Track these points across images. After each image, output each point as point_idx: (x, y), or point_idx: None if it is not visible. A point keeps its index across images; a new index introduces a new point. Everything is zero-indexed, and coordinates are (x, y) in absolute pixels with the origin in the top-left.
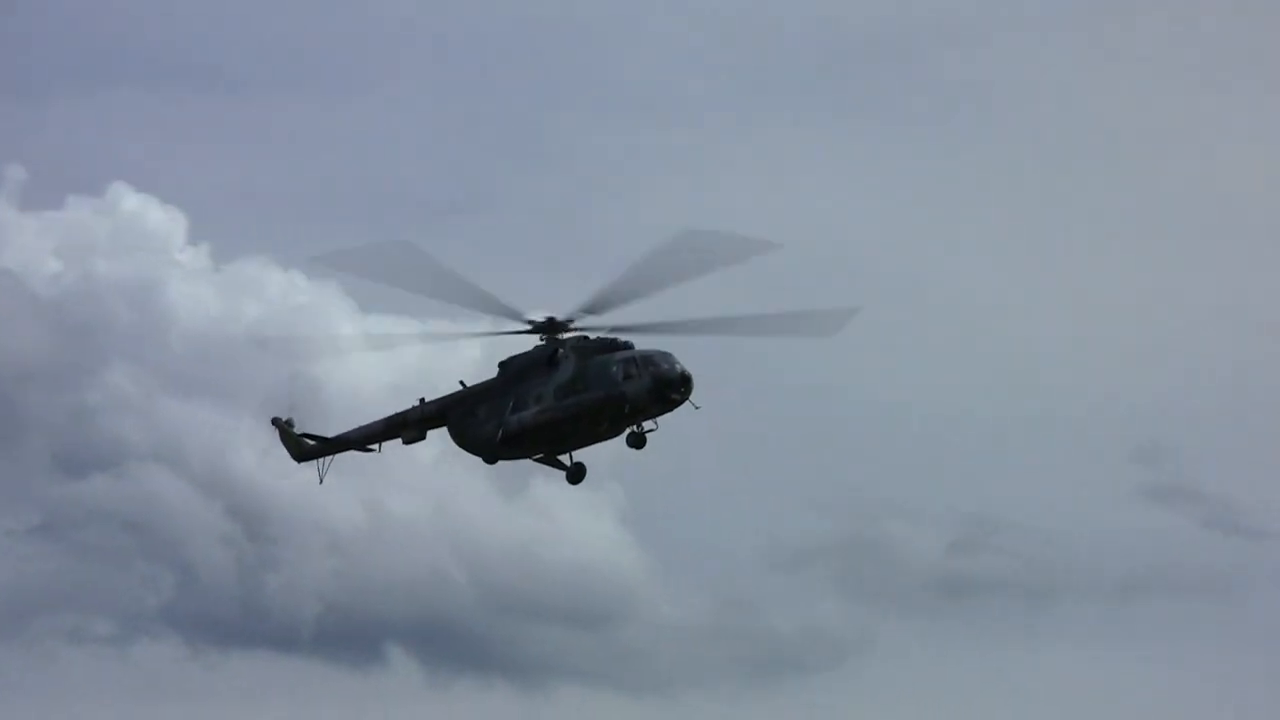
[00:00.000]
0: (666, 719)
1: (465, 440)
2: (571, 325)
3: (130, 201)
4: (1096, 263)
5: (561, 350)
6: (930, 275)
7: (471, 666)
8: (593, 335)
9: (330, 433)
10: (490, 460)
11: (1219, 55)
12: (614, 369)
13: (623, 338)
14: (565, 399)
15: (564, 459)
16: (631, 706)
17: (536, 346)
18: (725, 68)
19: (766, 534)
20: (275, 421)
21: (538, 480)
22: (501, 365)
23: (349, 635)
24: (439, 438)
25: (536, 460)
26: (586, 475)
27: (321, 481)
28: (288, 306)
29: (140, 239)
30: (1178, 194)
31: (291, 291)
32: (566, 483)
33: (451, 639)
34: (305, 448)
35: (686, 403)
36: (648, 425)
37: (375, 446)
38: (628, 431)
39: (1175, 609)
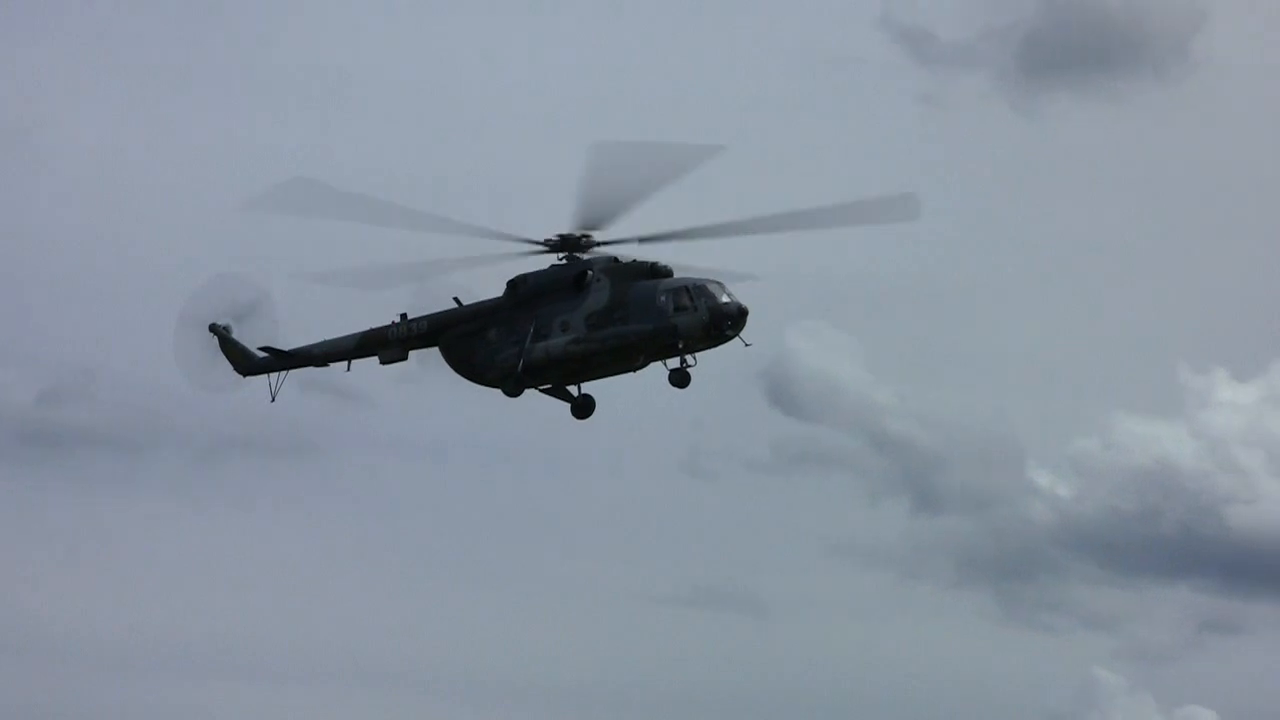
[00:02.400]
0: None
1: (470, 366)
2: (589, 242)
3: None
4: None
5: (591, 273)
6: None
7: None
8: (624, 257)
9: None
10: (513, 391)
11: None
12: (662, 299)
13: (662, 263)
14: (602, 329)
15: (572, 390)
16: None
17: (554, 266)
18: None
19: None
20: (213, 328)
21: None
22: (511, 284)
23: None
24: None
25: (541, 390)
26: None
27: (274, 400)
28: None
29: None
30: None
31: None
32: (572, 416)
33: None
34: (253, 360)
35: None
36: (689, 360)
37: (343, 364)
38: (671, 369)
39: (265, 468)
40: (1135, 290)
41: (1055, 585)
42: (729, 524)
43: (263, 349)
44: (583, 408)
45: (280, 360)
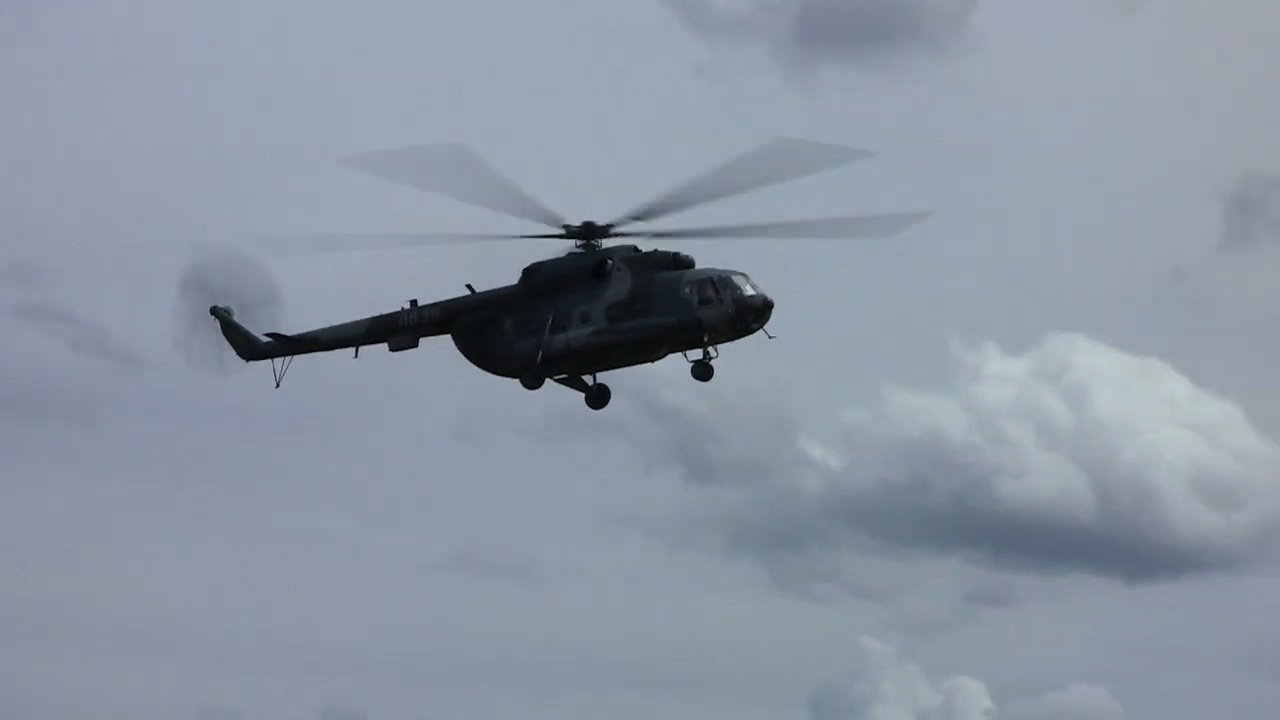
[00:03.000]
0: None
1: (485, 356)
2: (613, 231)
3: None
4: None
5: (611, 262)
6: None
7: None
8: (643, 247)
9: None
10: (532, 383)
11: None
12: (686, 290)
13: (684, 253)
14: (623, 321)
15: (586, 380)
16: None
17: (571, 254)
18: None
19: None
20: (215, 311)
21: None
22: (527, 272)
23: None
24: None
25: (556, 380)
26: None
27: (278, 385)
28: None
29: None
30: None
31: None
32: (586, 406)
33: None
34: (257, 345)
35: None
36: (711, 353)
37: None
38: (694, 361)
39: (42, 430)
40: (906, 263)
41: (826, 555)
42: (501, 491)
43: (268, 334)
44: (598, 398)
45: (285, 346)
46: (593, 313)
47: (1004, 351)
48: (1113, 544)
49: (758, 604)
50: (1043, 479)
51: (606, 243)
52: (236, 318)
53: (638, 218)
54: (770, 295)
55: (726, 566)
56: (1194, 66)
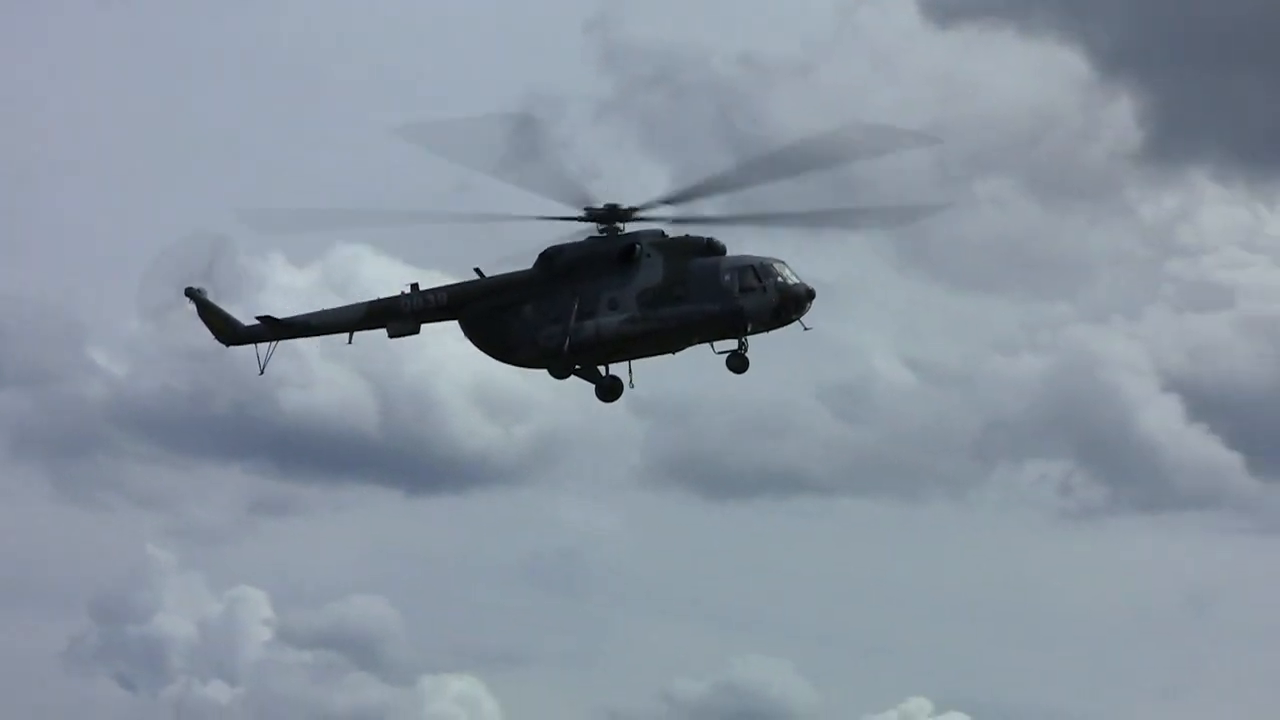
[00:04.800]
0: None
1: (502, 344)
2: (637, 215)
3: None
4: None
5: (640, 247)
6: None
7: None
8: (670, 232)
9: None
10: (561, 373)
11: None
12: (726, 277)
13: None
14: (659, 309)
15: (599, 370)
16: None
17: (592, 238)
18: None
19: None
20: (189, 293)
21: None
22: (545, 257)
23: None
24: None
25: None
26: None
27: (262, 372)
28: None
29: None
30: None
31: None
32: (596, 398)
33: None
34: (239, 329)
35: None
36: (744, 344)
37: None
38: (730, 352)
39: None
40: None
41: (110, 463)
42: None
43: (259, 317)
44: (610, 390)
45: (273, 330)
46: (622, 299)
47: (290, 262)
48: (395, 456)
49: (40, 511)
50: (327, 390)
51: (629, 227)
52: (211, 299)
53: (665, 202)
54: (812, 285)
55: (6, 473)
56: None
